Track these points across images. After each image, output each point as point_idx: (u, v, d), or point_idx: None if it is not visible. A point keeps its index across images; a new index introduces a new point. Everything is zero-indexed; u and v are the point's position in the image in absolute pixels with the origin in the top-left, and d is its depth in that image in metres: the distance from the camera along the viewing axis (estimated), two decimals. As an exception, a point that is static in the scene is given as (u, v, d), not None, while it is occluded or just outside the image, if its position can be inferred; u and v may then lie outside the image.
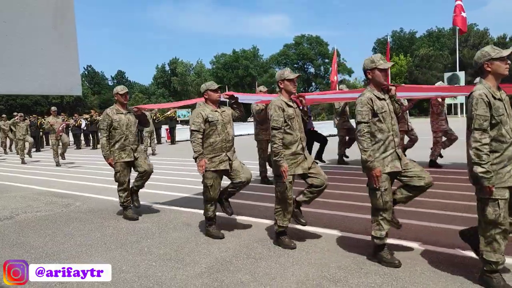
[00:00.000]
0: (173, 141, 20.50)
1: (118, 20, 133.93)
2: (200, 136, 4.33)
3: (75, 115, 23.24)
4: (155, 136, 16.27)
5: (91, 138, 20.60)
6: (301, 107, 4.27)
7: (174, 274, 3.50)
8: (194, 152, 4.32)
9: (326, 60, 70.47)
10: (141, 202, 6.48)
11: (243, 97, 5.62)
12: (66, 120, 19.89)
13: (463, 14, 16.10)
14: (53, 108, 13.57)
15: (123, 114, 5.44)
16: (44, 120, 19.26)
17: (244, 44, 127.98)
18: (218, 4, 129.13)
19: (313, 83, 73.24)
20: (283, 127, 3.88)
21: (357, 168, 8.27)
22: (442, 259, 3.50)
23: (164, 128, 21.77)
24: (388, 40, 23.14)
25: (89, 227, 5.19)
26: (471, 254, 3.55)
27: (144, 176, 5.56)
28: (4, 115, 19.93)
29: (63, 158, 13.31)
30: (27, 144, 15.03)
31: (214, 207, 4.53)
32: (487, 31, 58.69)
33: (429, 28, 68.19)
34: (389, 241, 3.99)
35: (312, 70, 73.29)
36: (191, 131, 4.34)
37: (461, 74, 17.90)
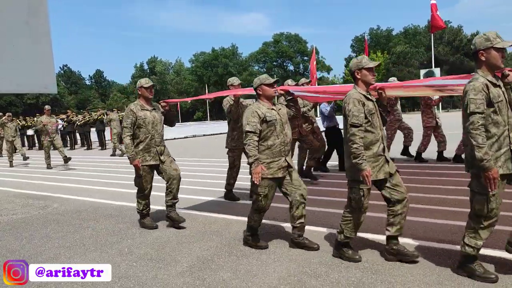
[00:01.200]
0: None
1: (94, 18, 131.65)
2: (256, 139, 3.72)
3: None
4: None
5: (69, 139, 20.24)
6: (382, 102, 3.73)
7: (155, 274, 3.47)
8: (250, 156, 3.68)
9: (305, 58, 70.87)
10: (119, 203, 6.41)
11: (298, 92, 5.23)
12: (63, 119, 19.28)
13: (438, 13, 16.53)
14: (47, 107, 12.56)
15: (148, 111, 4.78)
16: (36, 120, 18.64)
17: (223, 43, 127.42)
18: (196, 2, 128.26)
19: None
20: (363, 124, 3.30)
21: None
22: (420, 252, 3.56)
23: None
24: (366, 37, 23.42)
25: (67, 229, 5.11)
26: (446, 245, 3.64)
27: (172, 185, 4.84)
28: (9, 114, 18.80)
29: (67, 158, 12.07)
30: (18, 145, 14.17)
31: (261, 218, 4.00)
32: (461, 28, 59.95)
33: (406, 25, 69.22)
34: (365, 235, 4.07)
35: (291, 67, 73.62)
36: (246, 132, 3.74)
37: (437, 71, 18.30)
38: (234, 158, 5.96)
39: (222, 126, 27.54)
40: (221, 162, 10.83)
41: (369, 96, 3.44)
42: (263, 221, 4.81)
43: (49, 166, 11.84)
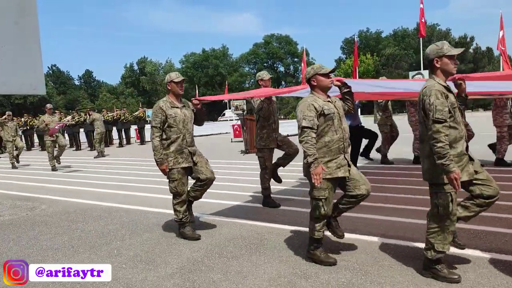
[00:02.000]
0: (142, 141, 20.21)
1: (83, 18, 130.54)
2: (314, 135, 3.37)
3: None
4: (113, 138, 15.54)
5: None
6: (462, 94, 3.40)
7: (145, 275, 3.45)
8: (308, 155, 3.30)
9: (296, 59, 71.14)
10: (109, 204, 6.37)
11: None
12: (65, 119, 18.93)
13: (423, 20, 16.83)
14: (49, 105, 12.04)
15: (178, 108, 4.34)
16: (37, 119, 18.20)
17: (214, 43, 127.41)
18: (186, 2, 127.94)
19: (283, 82, 73.70)
20: (448, 120, 2.91)
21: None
22: (409, 253, 3.59)
23: (133, 129, 21.42)
24: (356, 39, 23.57)
25: (56, 230, 5.05)
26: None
27: (205, 185, 4.48)
28: (9, 113, 18.31)
29: (59, 162, 11.85)
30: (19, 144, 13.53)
31: (324, 226, 3.58)
32: (449, 31, 60.62)
33: (395, 28, 69.83)
34: (357, 236, 4.09)
35: (282, 69, 73.78)
36: (302, 128, 3.39)
37: (425, 73, 18.49)
38: (264, 159, 5.52)
39: (212, 127, 27.53)
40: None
41: (450, 88, 3.07)
42: (256, 223, 4.83)
43: (54, 168, 11.23)
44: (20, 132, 20.34)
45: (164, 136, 4.32)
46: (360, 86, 5.26)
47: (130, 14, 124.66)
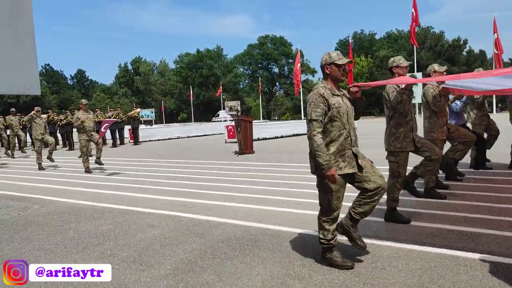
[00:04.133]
0: (136, 141, 20.16)
1: (76, 18, 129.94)
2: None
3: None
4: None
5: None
6: None
7: (138, 276, 3.44)
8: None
9: (290, 60, 71.14)
10: (102, 205, 6.34)
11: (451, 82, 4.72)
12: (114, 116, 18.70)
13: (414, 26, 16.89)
14: (84, 101, 10.84)
15: (339, 97, 3.43)
16: (69, 116, 17.72)
17: (208, 44, 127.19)
18: (180, 3, 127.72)
19: (277, 83, 73.79)
20: None
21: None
22: (401, 255, 3.61)
23: (127, 129, 21.37)
24: (350, 41, 23.67)
25: (48, 230, 5.03)
26: (428, 249, 3.70)
27: (376, 194, 3.41)
28: (13, 109, 17.58)
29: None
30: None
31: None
32: (442, 34, 60.99)
33: (388, 30, 70.25)
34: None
35: (276, 70, 73.80)
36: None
37: (419, 75, 18.59)
38: (398, 164, 4.60)
39: (207, 128, 27.52)
40: (216, 164, 10.85)
41: None
42: (250, 224, 4.84)
43: (87, 170, 10.28)
44: (56, 129, 19.90)
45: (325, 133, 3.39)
46: (469, 83, 4.91)
47: (120, 15, 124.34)
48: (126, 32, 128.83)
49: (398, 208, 4.68)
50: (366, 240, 3.98)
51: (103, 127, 11.12)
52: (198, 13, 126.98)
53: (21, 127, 17.53)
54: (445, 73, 5.71)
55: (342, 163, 3.35)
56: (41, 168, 11.49)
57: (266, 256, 3.78)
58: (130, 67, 76.32)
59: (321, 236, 3.50)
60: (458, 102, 6.90)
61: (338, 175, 3.29)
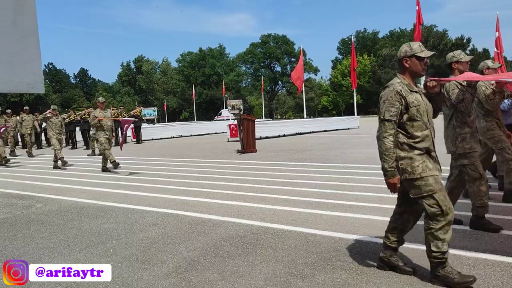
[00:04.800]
0: (138, 140, 20.20)
1: (79, 16, 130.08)
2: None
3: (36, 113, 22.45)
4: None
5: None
6: None
7: (140, 275, 3.45)
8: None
9: (293, 59, 71.15)
10: (105, 203, 6.36)
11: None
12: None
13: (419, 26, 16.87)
14: (101, 99, 10.59)
15: (418, 93, 3.10)
16: (86, 115, 17.54)
17: (210, 43, 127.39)
18: (182, 2, 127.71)
19: (280, 82, 73.79)
20: None
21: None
22: (404, 253, 3.61)
23: (129, 127, 21.41)
24: (353, 39, 23.65)
25: (51, 229, 5.04)
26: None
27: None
28: (27, 108, 17.80)
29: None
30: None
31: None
32: (446, 32, 60.83)
33: (392, 28, 70.21)
34: (353, 236, 4.10)
35: (278, 68, 73.85)
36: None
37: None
38: (475, 166, 4.10)
39: (209, 126, 27.53)
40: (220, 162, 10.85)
41: None
42: (252, 223, 4.84)
43: (104, 169, 10.08)
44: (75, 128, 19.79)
45: (406, 135, 3.05)
46: None
47: (122, 14, 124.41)
48: (129, 31, 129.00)
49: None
50: (369, 239, 3.99)
51: (124, 128, 10.79)
52: (202, 11, 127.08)
53: (36, 126, 17.60)
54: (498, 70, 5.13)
55: (430, 164, 3.00)
56: (56, 167, 11.27)
57: (269, 254, 3.78)
58: (132, 65, 76.50)
59: (433, 249, 2.97)
60: (506, 100, 6.19)
61: (429, 176, 2.95)
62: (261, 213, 5.29)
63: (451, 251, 3.53)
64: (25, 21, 1.35)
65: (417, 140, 2.99)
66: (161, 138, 22.60)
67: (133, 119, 14.41)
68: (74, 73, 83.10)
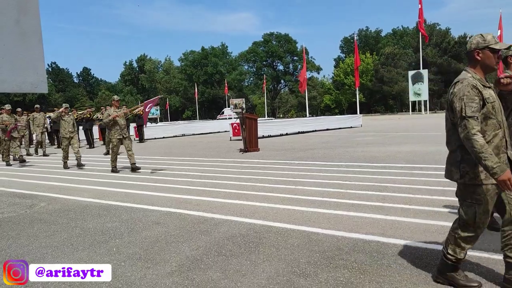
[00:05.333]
0: (141, 139, 20.23)
1: (81, 16, 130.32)
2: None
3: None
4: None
5: (56, 137, 20.06)
6: None
7: (144, 273, 3.46)
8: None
9: (295, 58, 71.15)
10: (108, 202, 6.37)
11: None
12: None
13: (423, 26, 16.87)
14: (116, 97, 10.47)
15: (491, 89, 2.82)
16: (101, 113, 17.22)
17: (213, 42, 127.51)
18: (185, 1, 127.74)
19: (282, 80, 73.75)
20: None
21: None
22: (407, 253, 3.60)
23: (132, 126, 21.44)
24: (355, 38, 23.62)
25: (55, 228, 5.06)
26: (433, 247, 3.69)
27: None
28: (37, 106, 17.72)
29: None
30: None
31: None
32: (448, 30, 60.63)
33: (394, 27, 69.99)
34: (355, 235, 4.10)
35: (281, 67, 73.81)
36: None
37: (425, 72, 18.54)
38: None
39: (212, 125, 27.53)
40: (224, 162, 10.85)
41: None
42: (255, 222, 4.84)
43: (115, 169, 9.78)
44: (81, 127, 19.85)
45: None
46: None
47: (125, 13, 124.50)
48: (132, 30, 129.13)
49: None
50: (371, 238, 3.98)
51: (147, 107, 10.23)
52: (204, 10, 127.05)
53: (47, 125, 17.59)
54: None
55: (504, 165, 2.66)
56: (66, 167, 11.06)
57: (271, 253, 3.78)
58: (135, 64, 76.63)
59: (450, 252, 2.90)
60: None
61: (492, 184, 2.68)
62: (264, 212, 5.29)
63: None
64: (28, 21, 1.35)
65: (488, 140, 2.71)
66: (163, 137, 22.62)
67: (158, 97, 13.97)
68: (77, 72, 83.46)
